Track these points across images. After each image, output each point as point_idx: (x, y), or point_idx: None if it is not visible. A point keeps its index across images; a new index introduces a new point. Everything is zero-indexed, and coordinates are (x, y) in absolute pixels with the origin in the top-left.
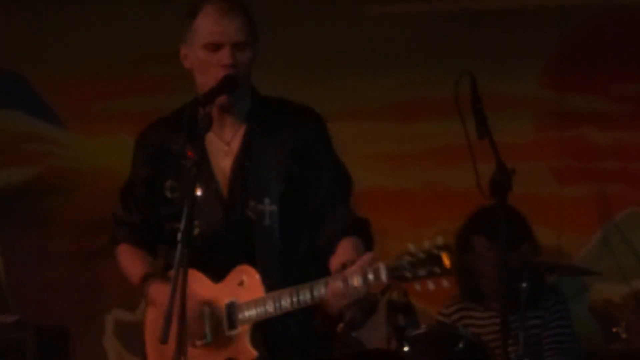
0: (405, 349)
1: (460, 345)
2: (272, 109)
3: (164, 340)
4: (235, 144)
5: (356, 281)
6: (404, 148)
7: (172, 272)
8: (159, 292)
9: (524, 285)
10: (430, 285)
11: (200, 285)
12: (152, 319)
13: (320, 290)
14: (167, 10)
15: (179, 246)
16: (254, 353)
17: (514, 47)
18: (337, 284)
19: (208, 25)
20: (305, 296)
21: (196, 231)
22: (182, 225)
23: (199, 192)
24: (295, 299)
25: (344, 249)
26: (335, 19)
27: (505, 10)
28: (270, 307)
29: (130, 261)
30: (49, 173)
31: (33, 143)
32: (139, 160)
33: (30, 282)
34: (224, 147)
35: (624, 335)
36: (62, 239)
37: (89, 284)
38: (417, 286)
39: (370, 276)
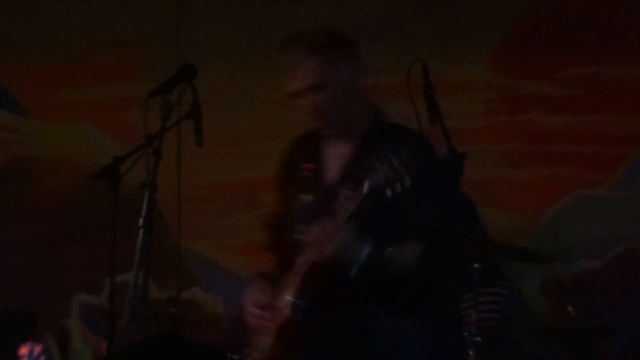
0: None
1: None
2: (386, 132)
3: (126, 321)
4: (348, 157)
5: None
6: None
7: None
8: (252, 291)
9: (476, 265)
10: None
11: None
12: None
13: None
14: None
15: (141, 231)
16: (289, 305)
17: (465, 33)
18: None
19: (284, 77)
20: None
21: (303, 236)
22: (143, 211)
23: (307, 200)
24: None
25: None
26: (288, 3)
27: None
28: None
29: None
30: (13, 160)
31: None
32: (279, 171)
33: None
34: (337, 160)
35: (573, 313)
36: (26, 225)
37: (54, 269)
38: (389, 192)
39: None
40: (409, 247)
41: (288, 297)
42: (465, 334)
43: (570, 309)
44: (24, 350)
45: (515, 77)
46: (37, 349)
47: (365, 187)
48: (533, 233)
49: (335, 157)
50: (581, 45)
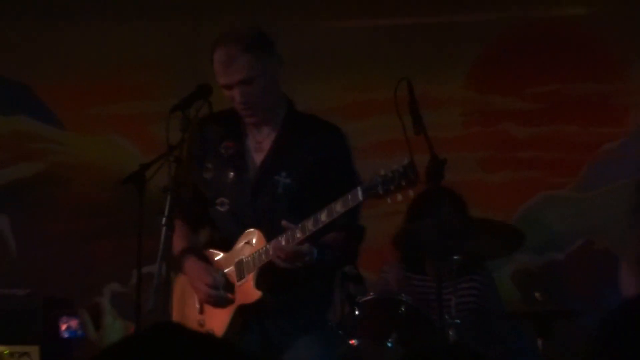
0: (356, 312)
1: (402, 309)
2: (303, 121)
3: (152, 307)
4: (267, 144)
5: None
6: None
7: (209, 251)
8: (192, 267)
9: (455, 257)
10: (399, 197)
11: (215, 259)
12: (182, 288)
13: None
14: (151, 26)
15: (164, 229)
16: (258, 293)
17: (444, 55)
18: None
19: (217, 70)
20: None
21: (225, 208)
22: (166, 211)
23: (231, 175)
24: (288, 237)
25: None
26: (292, 31)
27: (436, 25)
28: (268, 252)
29: (176, 236)
30: (52, 167)
31: (38, 142)
32: (193, 141)
33: (38, 259)
34: (256, 145)
35: (540, 299)
36: (63, 223)
37: (87, 261)
38: (389, 200)
39: (350, 200)
40: (338, 244)
41: (257, 289)
42: (446, 316)
43: (537, 294)
44: (62, 323)
45: (488, 93)
46: (74, 323)
47: (360, 194)
48: None
49: (257, 141)
50: (546, 66)
